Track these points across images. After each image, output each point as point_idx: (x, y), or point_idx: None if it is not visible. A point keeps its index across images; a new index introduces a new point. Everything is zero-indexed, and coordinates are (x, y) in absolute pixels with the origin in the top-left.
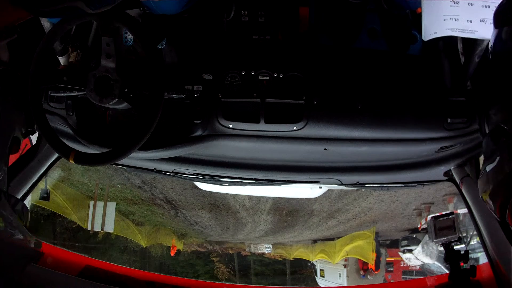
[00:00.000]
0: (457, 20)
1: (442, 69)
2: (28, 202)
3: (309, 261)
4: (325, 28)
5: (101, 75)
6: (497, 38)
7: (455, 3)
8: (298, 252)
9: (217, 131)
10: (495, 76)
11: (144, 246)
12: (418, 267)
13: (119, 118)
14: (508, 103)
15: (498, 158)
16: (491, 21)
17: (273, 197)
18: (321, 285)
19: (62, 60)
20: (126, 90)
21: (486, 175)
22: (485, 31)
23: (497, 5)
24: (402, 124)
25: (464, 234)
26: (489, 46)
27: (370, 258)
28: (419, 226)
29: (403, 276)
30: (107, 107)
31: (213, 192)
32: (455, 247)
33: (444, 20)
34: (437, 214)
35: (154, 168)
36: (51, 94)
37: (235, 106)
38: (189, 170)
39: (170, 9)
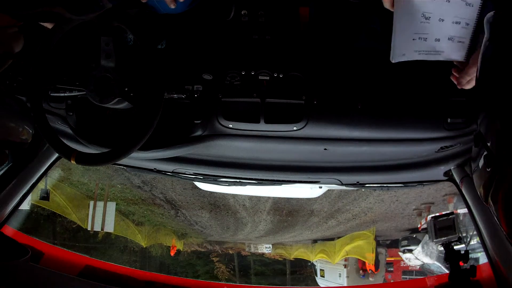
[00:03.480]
0: (425, 40)
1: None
2: (28, 202)
3: (309, 261)
4: (325, 28)
5: (101, 75)
6: (488, 47)
7: (426, 18)
8: (298, 252)
9: (217, 131)
10: (483, 82)
11: (144, 246)
12: (418, 267)
13: (119, 118)
14: (491, 114)
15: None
16: (459, 39)
17: (273, 197)
18: (321, 285)
19: None
20: (126, 89)
21: (479, 171)
22: (452, 51)
23: (466, 21)
24: (402, 124)
25: (464, 234)
26: (480, 52)
27: (370, 258)
28: (419, 226)
29: (403, 276)
30: (107, 107)
31: (213, 192)
32: (455, 247)
33: (413, 39)
34: (437, 214)
35: (154, 168)
36: (51, 94)
37: (235, 106)
38: (189, 170)
39: (175, 9)
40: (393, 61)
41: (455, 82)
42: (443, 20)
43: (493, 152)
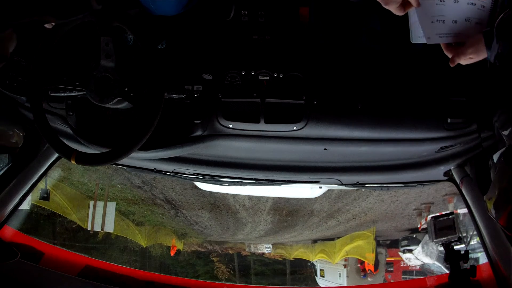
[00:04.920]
0: (443, 22)
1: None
2: (28, 202)
3: (309, 261)
4: (325, 28)
5: (101, 75)
6: (503, 46)
7: (441, 0)
8: (298, 252)
9: (217, 131)
10: (496, 82)
11: (144, 246)
12: (418, 267)
13: (119, 118)
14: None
15: (497, 170)
16: (476, 20)
17: (273, 197)
18: (321, 285)
19: None
20: (126, 89)
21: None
22: (470, 33)
23: (482, 3)
24: (402, 124)
25: (464, 234)
26: (492, 52)
27: (370, 258)
28: (419, 226)
29: (403, 276)
30: (108, 107)
31: (213, 192)
32: (455, 247)
33: (432, 22)
34: (437, 214)
35: (154, 168)
36: (51, 95)
37: (235, 106)
38: (189, 170)
39: (169, 10)
40: (412, 42)
41: (450, 61)
42: (457, 1)
43: None
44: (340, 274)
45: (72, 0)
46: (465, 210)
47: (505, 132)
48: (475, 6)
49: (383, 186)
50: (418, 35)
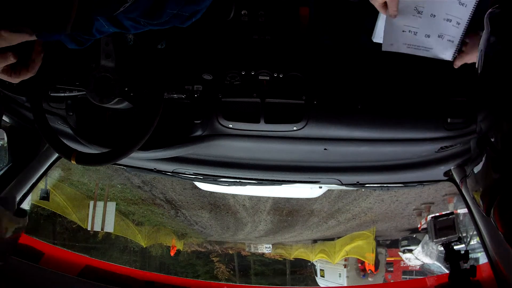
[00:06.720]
0: (415, 34)
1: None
2: (28, 202)
3: (309, 261)
4: (325, 28)
5: (101, 75)
6: (488, 43)
7: (419, 12)
8: (298, 252)
9: (217, 131)
10: (485, 80)
11: (144, 246)
12: (418, 267)
13: (119, 118)
14: (494, 111)
15: (482, 164)
16: (449, 37)
17: (273, 197)
18: (321, 285)
19: None
20: (126, 89)
21: (474, 176)
22: (440, 49)
23: (457, 20)
24: (402, 124)
25: (464, 234)
26: (479, 49)
27: (370, 258)
28: (419, 226)
29: (403, 276)
30: (108, 107)
31: (213, 192)
32: (455, 247)
33: (403, 31)
34: (437, 214)
35: (154, 168)
36: (51, 95)
37: (235, 106)
38: (189, 170)
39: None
40: (374, 40)
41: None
42: (434, 16)
43: (498, 154)
44: (340, 274)
45: (50, 14)
46: (465, 210)
47: (492, 139)
48: (450, 22)
49: (383, 186)
50: (387, 43)
